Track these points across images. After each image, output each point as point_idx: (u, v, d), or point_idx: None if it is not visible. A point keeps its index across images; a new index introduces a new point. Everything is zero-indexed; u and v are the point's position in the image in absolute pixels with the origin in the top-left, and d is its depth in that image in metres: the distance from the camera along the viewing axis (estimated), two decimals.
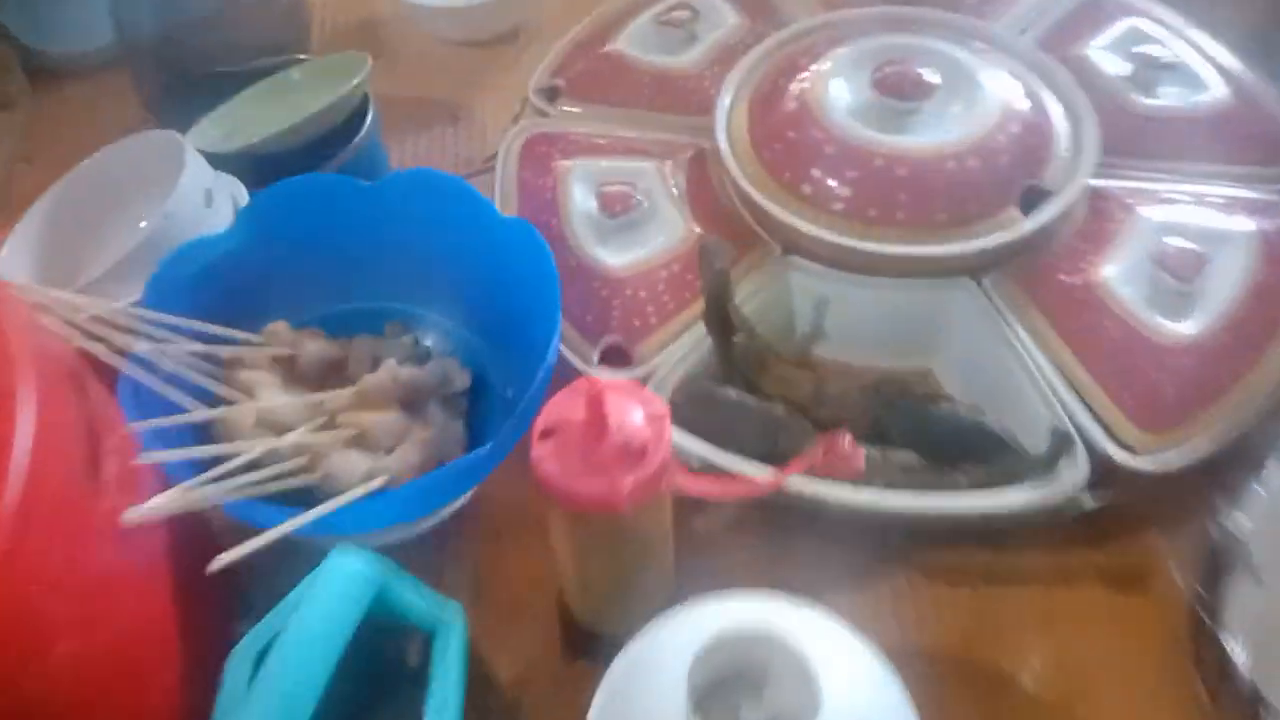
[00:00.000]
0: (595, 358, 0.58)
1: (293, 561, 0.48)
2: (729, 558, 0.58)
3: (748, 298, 0.60)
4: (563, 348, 0.58)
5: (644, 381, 0.57)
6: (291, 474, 0.50)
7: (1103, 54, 0.67)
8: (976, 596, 0.56)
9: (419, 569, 0.59)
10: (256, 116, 0.73)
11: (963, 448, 0.56)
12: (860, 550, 0.57)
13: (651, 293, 0.59)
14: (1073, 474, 0.52)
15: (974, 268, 0.59)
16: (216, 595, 0.47)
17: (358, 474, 0.51)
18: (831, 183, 0.60)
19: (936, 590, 0.56)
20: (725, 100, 0.66)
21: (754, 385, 0.58)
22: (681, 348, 0.58)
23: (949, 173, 0.59)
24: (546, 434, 0.44)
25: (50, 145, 0.83)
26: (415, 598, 0.41)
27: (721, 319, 0.57)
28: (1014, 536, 0.56)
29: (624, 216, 0.62)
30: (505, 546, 0.59)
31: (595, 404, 0.42)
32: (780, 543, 0.58)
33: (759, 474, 0.54)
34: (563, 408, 0.44)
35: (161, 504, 0.43)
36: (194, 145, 0.60)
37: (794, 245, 0.61)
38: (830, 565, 0.58)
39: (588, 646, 0.54)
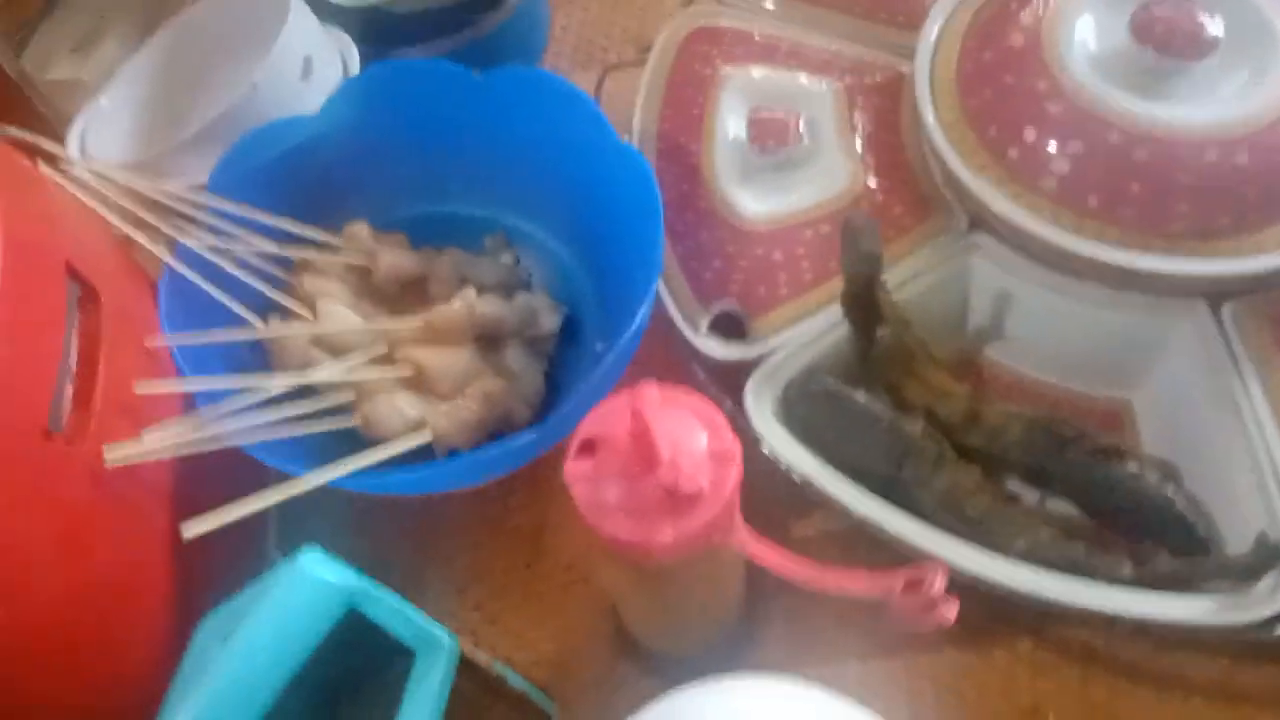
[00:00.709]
0: (704, 325, 0.49)
1: (330, 501, 0.43)
2: None
3: (913, 277, 0.49)
4: (670, 307, 0.49)
5: (756, 363, 0.47)
6: (329, 413, 0.44)
7: None
8: (1112, 691, 0.45)
9: (477, 512, 0.54)
10: None
11: (1140, 523, 0.44)
12: (979, 602, 0.47)
13: (789, 256, 0.49)
14: (1275, 595, 0.40)
15: (1213, 291, 0.45)
16: (227, 544, 0.42)
17: (401, 423, 0.45)
18: (1047, 152, 0.46)
19: (1063, 672, 0.46)
20: (939, 14, 0.53)
21: (893, 389, 0.48)
22: (811, 330, 0.48)
23: (1207, 166, 0.44)
24: (587, 448, 0.36)
25: None
26: (397, 616, 0.35)
27: (866, 307, 0.46)
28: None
29: (777, 154, 0.50)
30: None
31: (641, 430, 0.34)
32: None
33: (864, 507, 0.44)
34: (612, 418, 0.36)
35: (152, 446, 0.38)
36: None
37: (984, 222, 0.48)
38: None
39: (636, 652, 0.48)
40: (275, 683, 0.33)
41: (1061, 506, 0.47)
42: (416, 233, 0.52)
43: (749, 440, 0.46)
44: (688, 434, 0.36)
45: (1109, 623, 0.43)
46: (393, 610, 0.35)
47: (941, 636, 0.47)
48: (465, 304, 0.47)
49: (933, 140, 0.49)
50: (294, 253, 0.48)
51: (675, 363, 0.49)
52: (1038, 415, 0.46)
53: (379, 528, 0.51)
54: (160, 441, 0.38)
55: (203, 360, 0.43)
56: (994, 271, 0.48)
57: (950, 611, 0.30)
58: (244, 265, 0.46)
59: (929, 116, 0.49)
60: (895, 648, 0.48)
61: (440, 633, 0.36)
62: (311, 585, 0.33)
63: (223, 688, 0.32)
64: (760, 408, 0.47)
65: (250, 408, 0.42)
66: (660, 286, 0.49)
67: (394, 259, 0.50)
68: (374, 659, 0.37)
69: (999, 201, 0.47)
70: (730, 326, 0.49)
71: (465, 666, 0.38)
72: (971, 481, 0.46)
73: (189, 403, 0.42)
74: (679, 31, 0.57)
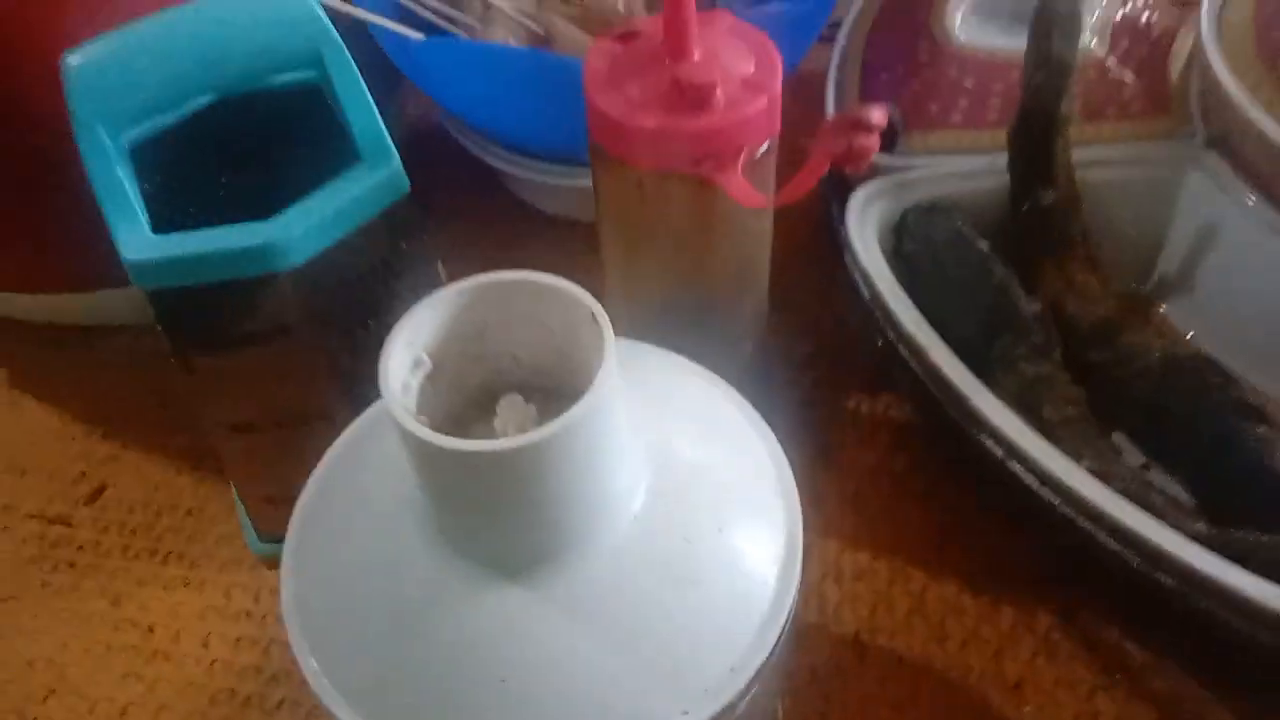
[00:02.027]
0: None
1: None
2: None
3: (1112, 161, 0.41)
4: (829, 90, 0.44)
5: (886, 172, 0.41)
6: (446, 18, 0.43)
7: None
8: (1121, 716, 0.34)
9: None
10: None
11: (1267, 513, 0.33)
12: (1009, 536, 0.38)
13: (981, 86, 0.42)
14: None
15: None
16: None
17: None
18: None
19: (1075, 669, 0.36)
20: None
21: (1028, 270, 0.40)
22: (964, 168, 0.41)
23: None
24: (627, 35, 0.32)
25: None
26: (362, 105, 0.32)
27: (1036, 150, 0.39)
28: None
29: None
30: None
31: (677, 11, 0.29)
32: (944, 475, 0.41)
33: (938, 355, 0.36)
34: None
35: None
36: None
37: (1226, 140, 0.40)
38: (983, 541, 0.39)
39: None
40: (197, 75, 0.31)
41: (1169, 490, 0.37)
42: None
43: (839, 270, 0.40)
44: (733, 55, 0.31)
45: (1164, 609, 0.32)
46: (357, 96, 0.32)
47: (948, 561, 0.38)
48: (626, 3, 0.45)
49: (1205, 51, 0.40)
50: None
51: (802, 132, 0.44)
52: (1188, 351, 0.37)
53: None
54: None
55: None
56: (1211, 193, 0.39)
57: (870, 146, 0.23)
58: None
59: (1209, 31, 0.41)
60: (891, 544, 0.39)
61: (395, 155, 0.32)
62: (291, 3, 0.31)
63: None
64: (865, 215, 0.40)
65: None
66: (831, 72, 0.45)
67: None
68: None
69: (1254, 112, 0.38)
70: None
71: (411, 233, 0.34)
72: (1067, 390, 0.37)
73: None
74: None
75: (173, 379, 0.47)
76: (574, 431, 0.21)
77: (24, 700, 0.37)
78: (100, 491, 0.43)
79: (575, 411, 0.20)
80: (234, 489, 0.41)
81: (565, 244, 0.50)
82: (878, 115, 0.24)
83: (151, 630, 0.38)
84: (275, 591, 0.38)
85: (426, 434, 0.21)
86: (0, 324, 0.48)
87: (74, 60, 0.30)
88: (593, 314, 0.22)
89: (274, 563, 0.39)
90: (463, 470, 0.21)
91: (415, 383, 0.23)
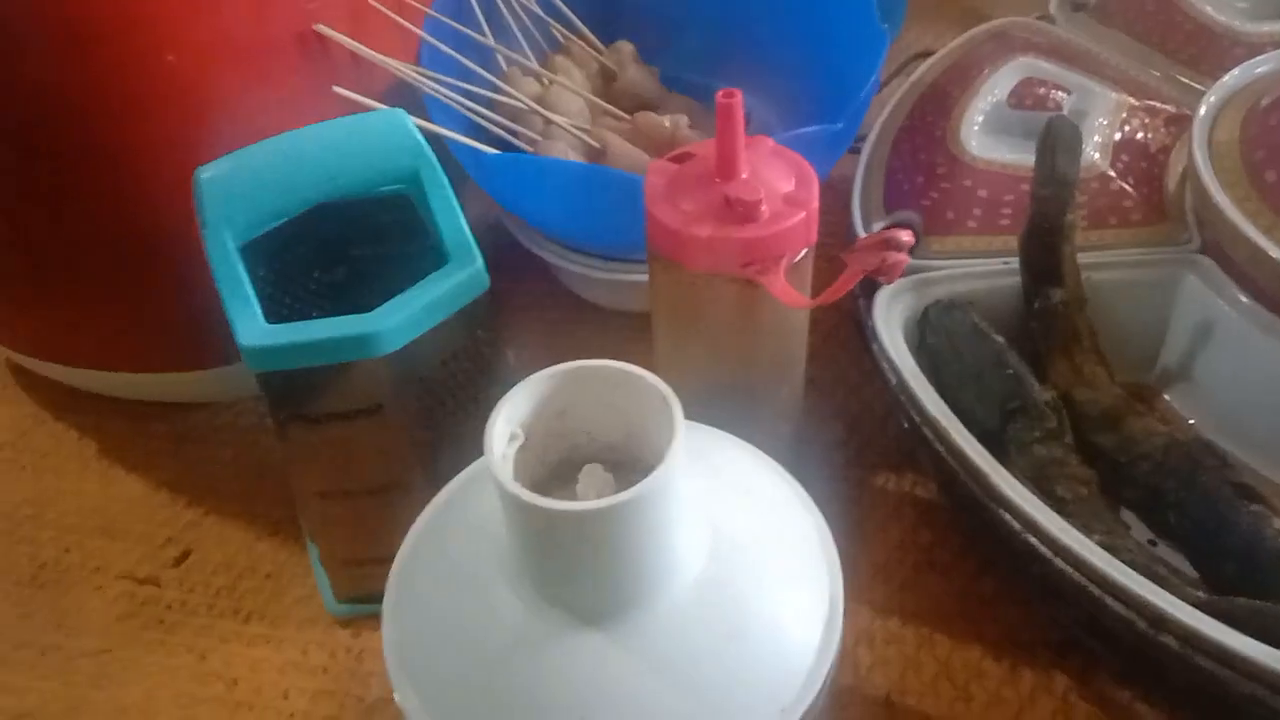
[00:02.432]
0: (877, 226, 0.48)
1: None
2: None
3: (1115, 264, 0.45)
4: (855, 201, 0.49)
5: (909, 273, 0.45)
6: (504, 129, 0.48)
7: None
8: None
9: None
10: None
11: (1258, 584, 0.37)
12: (1026, 604, 0.42)
13: (994, 196, 0.47)
14: None
15: None
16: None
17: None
18: None
19: None
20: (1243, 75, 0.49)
21: (1040, 362, 0.44)
22: (980, 269, 0.45)
23: None
24: (681, 156, 0.37)
25: None
26: (449, 213, 0.37)
27: (1045, 254, 0.43)
28: None
29: (1029, 111, 0.49)
30: None
31: (727, 135, 0.34)
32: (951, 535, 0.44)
33: (959, 436, 0.40)
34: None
35: (361, 47, 0.42)
36: None
37: (1218, 246, 0.44)
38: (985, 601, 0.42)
39: None
40: (311, 187, 0.36)
41: (1169, 559, 0.40)
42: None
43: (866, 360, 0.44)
44: (775, 174, 0.35)
45: (1166, 671, 0.35)
46: (447, 205, 0.36)
47: (971, 629, 0.41)
48: (674, 124, 0.49)
49: (1197, 166, 0.45)
50: (563, 33, 0.53)
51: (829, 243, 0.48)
52: (1188, 436, 0.40)
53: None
54: (373, 52, 0.43)
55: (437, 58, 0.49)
56: (1206, 294, 0.43)
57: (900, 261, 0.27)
58: (517, 15, 0.52)
59: (1201, 154, 0.45)
60: (918, 612, 0.42)
61: (479, 257, 0.37)
62: (393, 128, 0.36)
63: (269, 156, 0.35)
64: (891, 310, 0.44)
65: (452, 86, 0.46)
66: (857, 181, 0.49)
67: (639, 76, 0.53)
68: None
69: (1241, 221, 0.42)
70: None
71: (486, 322, 0.38)
72: (1078, 470, 0.40)
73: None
74: (995, 26, 0.57)
75: (250, 452, 0.51)
76: (652, 496, 0.25)
77: None
78: (186, 555, 0.47)
79: (655, 477, 0.24)
80: (311, 553, 0.44)
81: (611, 331, 0.55)
82: (906, 236, 0.28)
83: (235, 683, 0.42)
84: (350, 649, 0.42)
85: (527, 495, 0.24)
86: (93, 399, 0.52)
87: (205, 174, 0.35)
88: (664, 398, 0.26)
89: (348, 622, 0.43)
90: (555, 528, 0.25)
91: (511, 454, 0.27)
